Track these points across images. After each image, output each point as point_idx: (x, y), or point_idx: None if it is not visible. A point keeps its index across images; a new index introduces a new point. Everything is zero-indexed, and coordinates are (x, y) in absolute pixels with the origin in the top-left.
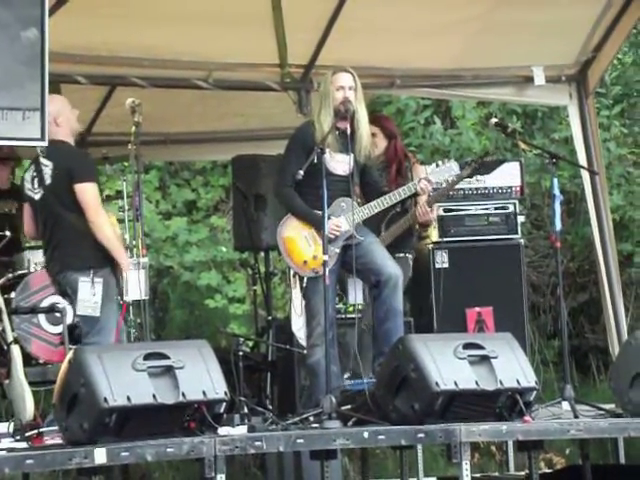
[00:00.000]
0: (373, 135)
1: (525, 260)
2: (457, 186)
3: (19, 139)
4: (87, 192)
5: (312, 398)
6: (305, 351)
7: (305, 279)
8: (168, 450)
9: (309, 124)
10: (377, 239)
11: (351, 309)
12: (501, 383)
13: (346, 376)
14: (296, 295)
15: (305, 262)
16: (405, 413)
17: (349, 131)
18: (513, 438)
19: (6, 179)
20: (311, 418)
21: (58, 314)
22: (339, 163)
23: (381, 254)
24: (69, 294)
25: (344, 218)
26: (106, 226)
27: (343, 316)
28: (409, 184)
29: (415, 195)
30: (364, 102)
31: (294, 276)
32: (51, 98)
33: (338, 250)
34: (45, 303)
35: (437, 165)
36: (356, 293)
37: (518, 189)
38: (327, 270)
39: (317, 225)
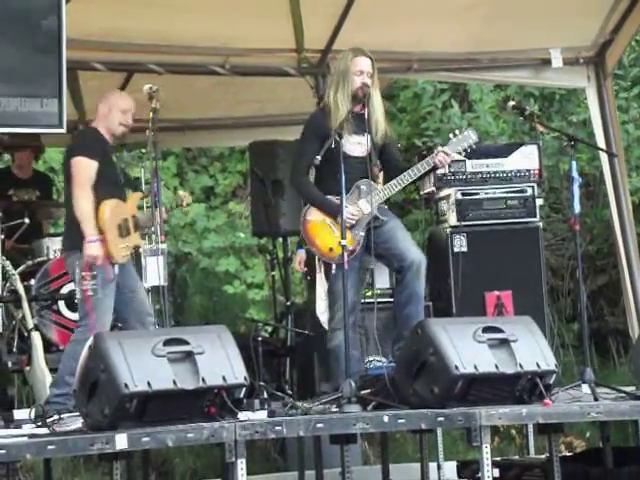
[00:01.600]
0: None
1: (544, 243)
2: (475, 169)
3: (37, 126)
4: (73, 166)
5: (333, 382)
6: (325, 335)
7: (333, 266)
8: (189, 435)
9: (322, 110)
10: (399, 222)
11: (369, 293)
12: (521, 366)
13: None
14: (320, 279)
15: (331, 249)
16: (425, 397)
17: (365, 113)
18: (533, 421)
19: (28, 169)
20: (331, 402)
21: (77, 301)
22: (355, 145)
23: (404, 239)
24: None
25: (364, 200)
26: (82, 201)
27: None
28: (427, 158)
29: (434, 169)
30: (381, 86)
31: (319, 260)
32: (119, 94)
33: (362, 234)
34: (65, 290)
35: (454, 134)
36: (381, 277)
37: (536, 172)
38: (349, 255)
39: (334, 213)
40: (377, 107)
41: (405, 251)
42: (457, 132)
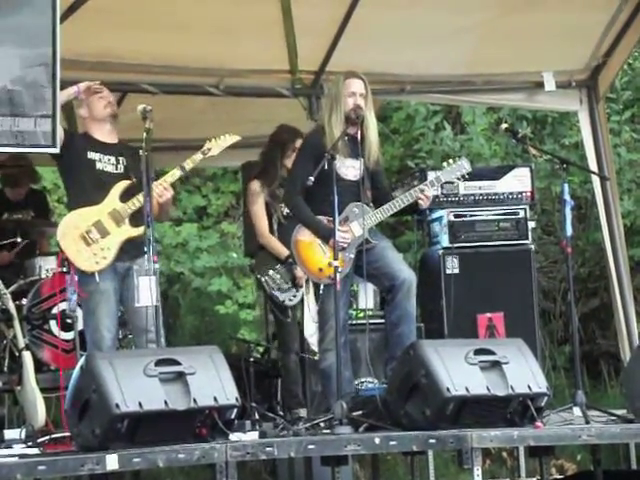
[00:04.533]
0: None
1: (536, 266)
2: (467, 191)
3: (31, 146)
4: None
5: (324, 403)
6: (316, 357)
7: (321, 286)
8: (179, 456)
9: (317, 131)
10: (390, 243)
11: (361, 315)
12: (512, 389)
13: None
14: (309, 301)
15: (321, 270)
16: (416, 419)
17: (359, 136)
18: (524, 444)
19: (21, 190)
20: (322, 424)
21: (69, 320)
22: (349, 168)
23: (394, 258)
24: None
25: (357, 223)
26: None
27: (354, 322)
28: (420, 185)
29: (416, 204)
30: (374, 108)
31: (307, 282)
32: (86, 86)
33: (352, 256)
34: (56, 309)
35: (448, 164)
36: (367, 298)
37: (529, 194)
38: (340, 276)
39: (326, 237)
40: (371, 129)
41: (397, 270)
42: (451, 161)
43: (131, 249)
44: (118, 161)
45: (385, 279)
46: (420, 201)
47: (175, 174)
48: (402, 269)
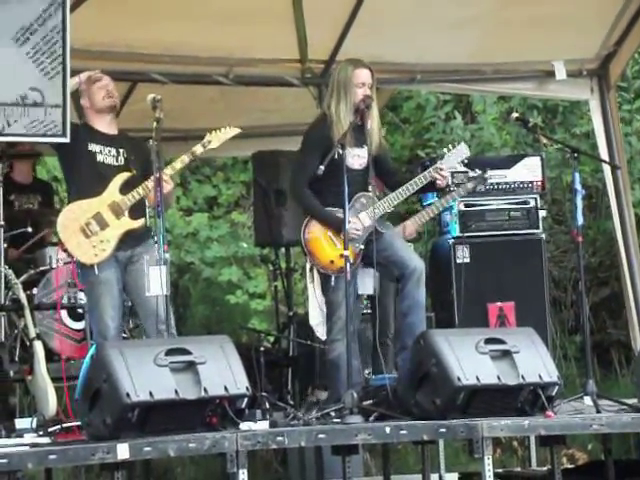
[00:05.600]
0: None
1: (546, 255)
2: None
3: (41, 135)
4: None
5: (334, 393)
6: (325, 346)
7: (332, 277)
8: (190, 445)
9: (322, 120)
10: (398, 232)
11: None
12: (523, 378)
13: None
14: (314, 290)
15: (332, 261)
16: (427, 408)
17: (367, 125)
18: (535, 433)
19: (28, 174)
20: (332, 413)
21: (80, 310)
22: (355, 157)
23: (403, 247)
24: None
25: (365, 214)
26: None
27: (363, 312)
28: (425, 172)
29: (432, 183)
30: (384, 98)
31: (311, 270)
32: (87, 76)
33: (362, 247)
34: (67, 299)
35: (449, 149)
36: (366, 284)
37: (539, 184)
38: (350, 266)
39: (337, 226)
40: (375, 118)
41: (406, 259)
42: (451, 147)
43: (130, 240)
44: (119, 153)
45: (394, 267)
46: (438, 181)
47: (175, 166)
48: (411, 257)
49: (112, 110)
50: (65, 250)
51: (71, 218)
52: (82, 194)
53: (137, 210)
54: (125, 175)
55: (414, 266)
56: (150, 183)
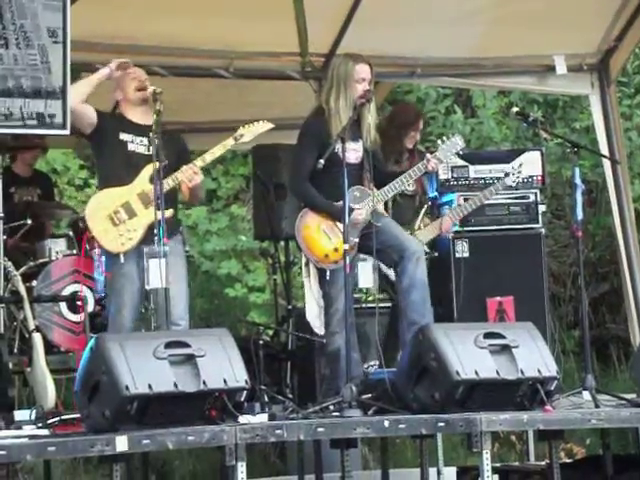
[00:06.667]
0: None
1: (546, 250)
2: (478, 175)
3: (41, 127)
4: None
5: (332, 386)
6: (324, 340)
7: (327, 271)
8: (189, 438)
9: (319, 114)
10: (391, 219)
11: (371, 298)
12: (522, 372)
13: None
14: (310, 284)
15: (327, 255)
16: (425, 402)
17: (364, 120)
18: (534, 427)
19: (28, 167)
20: (331, 407)
21: (79, 302)
22: (351, 151)
23: (400, 231)
24: None
25: (359, 206)
26: None
27: (363, 305)
28: (419, 164)
29: (426, 174)
30: (384, 92)
31: (307, 265)
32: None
33: (357, 240)
34: (66, 291)
35: (443, 141)
36: (366, 277)
37: (539, 178)
38: (348, 259)
39: (339, 217)
40: (372, 113)
41: (404, 241)
42: (445, 138)
43: None
44: (150, 143)
45: (393, 252)
46: (429, 167)
47: (206, 158)
48: (409, 239)
49: (144, 102)
50: (92, 238)
51: (100, 206)
52: (112, 182)
53: (167, 200)
54: (151, 167)
55: (413, 248)
56: (180, 174)
